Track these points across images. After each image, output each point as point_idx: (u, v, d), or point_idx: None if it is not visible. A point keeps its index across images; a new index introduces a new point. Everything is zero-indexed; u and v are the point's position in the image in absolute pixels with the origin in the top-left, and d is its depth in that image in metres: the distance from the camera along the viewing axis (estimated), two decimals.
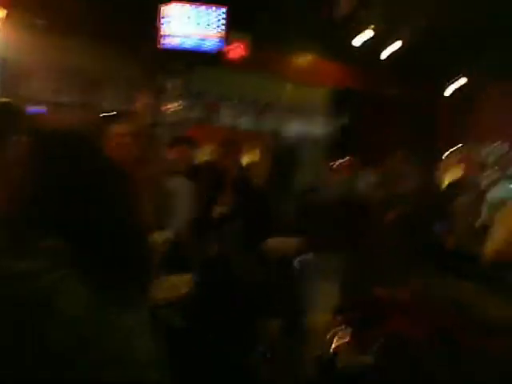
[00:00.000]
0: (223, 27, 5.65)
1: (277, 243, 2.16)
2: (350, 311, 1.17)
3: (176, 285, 1.88)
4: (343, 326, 1.16)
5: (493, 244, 2.73)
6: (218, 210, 3.19)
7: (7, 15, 4.44)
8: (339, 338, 1.17)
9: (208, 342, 1.47)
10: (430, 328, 1.05)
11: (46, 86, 5.27)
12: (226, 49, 5.77)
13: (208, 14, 5.60)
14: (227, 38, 5.76)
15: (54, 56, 5.23)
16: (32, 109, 4.94)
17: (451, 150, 7.77)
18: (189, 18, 5.57)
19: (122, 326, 1.07)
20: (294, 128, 7.08)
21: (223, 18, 5.62)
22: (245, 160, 3.79)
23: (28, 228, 0.97)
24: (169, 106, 5.73)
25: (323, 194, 5.84)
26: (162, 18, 5.52)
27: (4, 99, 2.96)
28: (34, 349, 0.88)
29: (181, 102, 5.95)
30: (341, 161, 7.48)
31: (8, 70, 5.10)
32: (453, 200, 4.31)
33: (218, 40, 5.64)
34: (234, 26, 5.82)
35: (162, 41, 5.49)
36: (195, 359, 1.52)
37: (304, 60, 7.06)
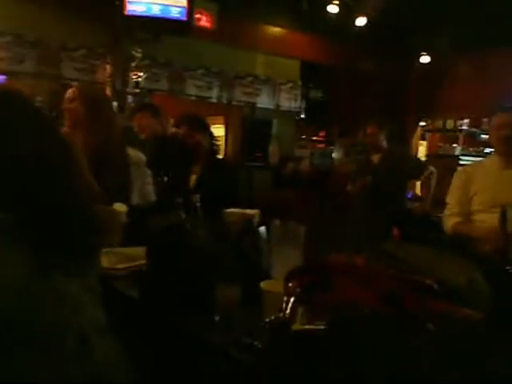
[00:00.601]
0: None
1: (237, 210, 2.16)
2: (302, 276, 1.15)
3: (133, 255, 1.85)
4: (296, 291, 1.14)
5: (451, 214, 2.82)
6: (183, 182, 3.16)
7: None
8: (292, 303, 1.15)
9: (163, 312, 1.44)
10: (378, 293, 1.04)
11: (3, 55, 5.06)
12: (193, 18, 5.62)
13: None
14: (194, 7, 5.62)
15: (12, 23, 5.02)
16: None
17: (421, 123, 7.87)
18: None
19: (67, 294, 1.04)
20: (266, 100, 7.02)
21: None
22: (213, 132, 3.74)
23: None
24: (133, 76, 5.59)
25: (296, 166, 5.86)
26: None
27: None
28: None
29: (145, 71, 5.81)
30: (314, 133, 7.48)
31: None
32: (422, 170, 4.39)
33: (185, 9, 5.49)
34: None
35: (127, 7, 5.31)
36: (150, 329, 1.50)
37: (274, 31, 6.96)
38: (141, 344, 1.41)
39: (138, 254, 1.80)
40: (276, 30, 6.96)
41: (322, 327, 1.01)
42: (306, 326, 1.08)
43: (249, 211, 2.29)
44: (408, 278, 1.12)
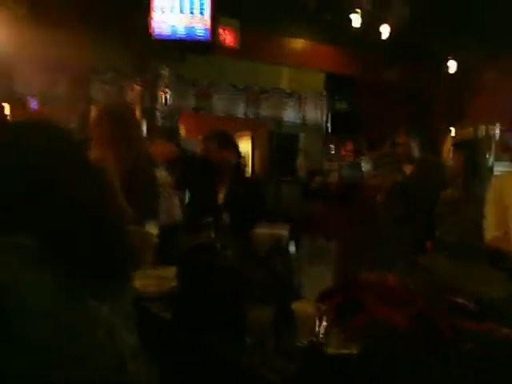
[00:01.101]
0: (213, 15, 5.59)
1: (265, 230, 2.14)
2: (334, 297, 1.14)
3: (163, 277, 1.86)
4: (329, 312, 1.13)
5: (489, 228, 2.72)
6: (213, 201, 3.17)
7: None
8: (325, 325, 1.14)
9: (196, 333, 1.45)
10: (411, 314, 1.02)
11: (34, 80, 5.23)
12: (217, 36, 5.71)
13: (197, 1, 5.54)
14: (218, 25, 5.70)
15: (41, 49, 5.18)
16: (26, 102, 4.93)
17: (450, 132, 7.72)
18: (179, 6, 5.52)
19: (100, 318, 1.04)
20: (292, 114, 7.02)
21: (212, 6, 5.56)
22: (240, 148, 3.76)
23: None
24: (161, 95, 5.69)
25: (324, 179, 5.82)
26: (153, 6, 5.46)
27: None
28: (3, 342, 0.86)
29: (172, 90, 5.91)
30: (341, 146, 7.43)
31: None
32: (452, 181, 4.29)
33: (208, 28, 5.58)
34: (223, 13, 5.77)
35: (154, 29, 5.43)
36: (183, 352, 1.50)
37: (297, 44, 6.98)
38: (174, 366, 1.41)
39: (169, 274, 1.81)
40: (299, 42, 6.98)
41: (356, 351, 1.00)
42: (340, 350, 1.07)
43: (277, 230, 2.28)
44: (442, 298, 1.10)
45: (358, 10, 6.13)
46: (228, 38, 5.99)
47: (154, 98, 5.78)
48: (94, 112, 2.49)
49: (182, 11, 5.49)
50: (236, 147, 3.45)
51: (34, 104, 5.00)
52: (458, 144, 4.36)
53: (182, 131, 4.69)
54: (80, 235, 1.01)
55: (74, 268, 0.98)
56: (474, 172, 3.60)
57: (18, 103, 4.45)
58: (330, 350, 1.13)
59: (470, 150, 3.84)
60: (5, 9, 4.62)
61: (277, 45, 6.77)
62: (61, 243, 0.98)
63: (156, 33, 5.45)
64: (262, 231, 2.20)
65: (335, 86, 7.53)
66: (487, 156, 6.71)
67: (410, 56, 6.79)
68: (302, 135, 7.00)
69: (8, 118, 3.74)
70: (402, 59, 6.93)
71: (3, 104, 4.39)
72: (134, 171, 2.42)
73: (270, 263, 1.73)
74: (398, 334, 1.00)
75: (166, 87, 5.80)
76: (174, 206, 2.94)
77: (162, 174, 2.94)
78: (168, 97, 5.76)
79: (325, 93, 7.30)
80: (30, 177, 0.95)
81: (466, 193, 3.50)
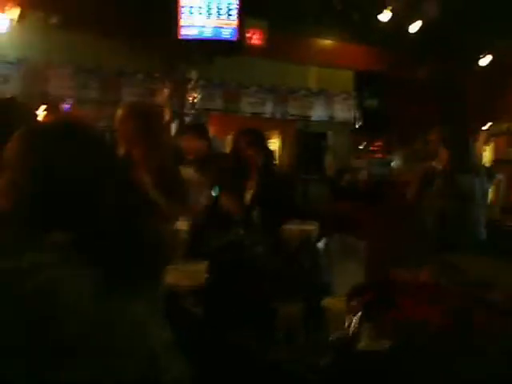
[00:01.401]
0: (240, 16, 5.61)
1: (295, 227, 2.14)
2: (365, 293, 1.13)
3: (195, 272, 1.88)
4: (360, 308, 1.12)
5: None
6: (239, 199, 3.19)
7: (21, 14, 4.51)
8: (356, 320, 1.13)
9: (227, 329, 1.46)
10: (444, 311, 1.00)
11: (65, 84, 5.36)
12: (244, 37, 5.72)
13: (224, 2, 5.56)
14: (245, 26, 5.72)
15: (71, 53, 5.31)
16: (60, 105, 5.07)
17: (484, 127, 7.54)
18: (206, 7, 5.55)
19: (134, 314, 1.06)
20: (320, 113, 7.00)
21: (239, 7, 5.58)
22: (269, 147, 3.76)
23: (33, 222, 0.97)
24: (190, 97, 5.75)
25: (353, 177, 5.78)
26: (180, 8, 5.51)
27: (8, 96, 2.98)
28: (45, 341, 0.89)
29: (200, 92, 5.96)
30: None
31: (26, 69, 5.21)
32: (491, 177, 4.18)
33: (235, 29, 5.60)
34: (250, 14, 5.78)
35: (181, 32, 5.48)
36: (214, 347, 1.52)
37: (325, 44, 6.95)
38: (205, 361, 1.43)
39: (200, 269, 1.82)
40: (327, 42, 6.95)
41: (388, 346, 0.99)
42: (371, 345, 1.06)
43: (306, 227, 2.28)
44: (475, 295, 1.08)
45: (388, 7, 6.05)
46: (255, 38, 6.00)
47: (183, 100, 5.84)
48: (120, 110, 2.51)
49: (209, 13, 5.53)
50: (264, 145, 3.46)
51: (66, 107, 5.13)
52: None
53: (211, 131, 4.72)
54: (112, 229, 1.02)
55: (108, 265, 1.00)
56: None
57: (51, 106, 4.56)
58: (361, 346, 1.13)
59: None
60: (37, 17, 4.75)
61: (304, 45, 6.75)
62: (96, 241, 1.00)
63: (183, 35, 5.50)
64: (292, 228, 2.21)
65: (364, 83, 7.46)
66: None
67: (441, 52, 6.66)
68: (329, 133, 6.96)
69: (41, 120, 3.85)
70: (434, 56, 6.81)
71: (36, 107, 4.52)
72: (162, 168, 2.44)
73: (299, 259, 1.73)
74: (430, 331, 0.99)
75: (194, 89, 5.85)
76: (201, 202, 2.96)
77: (190, 171, 2.96)
78: (196, 99, 5.81)
79: (353, 91, 7.24)
80: (75, 178, 0.98)
81: None
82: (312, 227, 2.31)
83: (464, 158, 4.35)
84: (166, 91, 5.73)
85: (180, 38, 5.48)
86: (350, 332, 1.14)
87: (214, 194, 3.01)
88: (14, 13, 4.42)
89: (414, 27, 6.31)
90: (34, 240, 0.97)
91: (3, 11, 4.26)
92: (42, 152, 1.00)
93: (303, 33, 6.54)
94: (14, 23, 4.37)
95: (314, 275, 1.63)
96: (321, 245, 1.84)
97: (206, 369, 1.35)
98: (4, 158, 1.01)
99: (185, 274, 1.86)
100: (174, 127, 5.36)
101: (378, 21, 6.16)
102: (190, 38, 5.49)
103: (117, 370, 0.97)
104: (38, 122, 1.13)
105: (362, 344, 1.13)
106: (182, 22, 5.50)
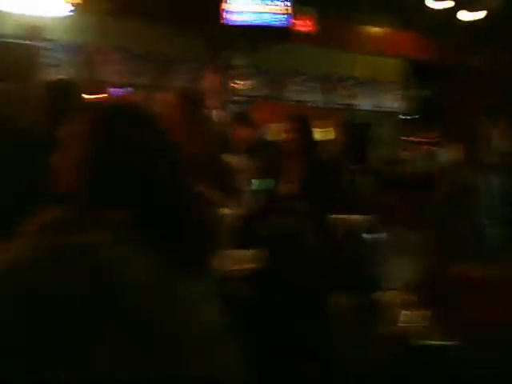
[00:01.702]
0: (289, 2, 5.55)
1: (342, 216, 2.12)
2: (425, 288, 1.11)
3: (246, 258, 1.89)
4: (416, 304, 1.10)
5: None
6: (287, 187, 3.18)
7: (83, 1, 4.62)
8: (412, 315, 1.11)
9: (276, 316, 1.46)
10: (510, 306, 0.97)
11: (120, 69, 5.46)
12: (292, 24, 5.66)
13: None
14: (294, 13, 5.65)
15: (122, 39, 5.40)
16: (112, 91, 5.19)
17: None
18: None
19: (187, 295, 1.08)
20: (367, 102, 6.87)
21: None
22: (316, 136, 3.72)
23: (92, 202, 1.00)
24: (236, 84, 5.74)
25: (400, 168, 5.65)
26: None
27: (64, 77, 3.04)
28: (109, 317, 0.91)
29: (248, 79, 5.94)
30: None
31: (84, 54, 5.33)
32: None
33: (284, 15, 5.54)
34: (300, 1, 5.71)
35: (228, 18, 5.47)
36: (262, 332, 1.53)
37: (375, 31, 6.79)
38: (256, 345, 1.43)
39: (251, 256, 1.82)
40: (377, 29, 6.79)
41: (449, 343, 0.97)
42: (429, 341, 1.04)
43: (354, 217, 2.25)
44: None
45: None
46: (305, 25, 5.93)
47: (229, 88, 5.85)
48: (169, 96, 2.54)
49: None
50: (310, 133, 3.42)
51: (119, 92, 5.24)
52: None
53: (257, 119, 4.71)
54: (167, 209, 1.03)
55: (162, 244, 1.01)
56: None
57: (101, 90, 4.67)
58: (417, 341, 1.11)
59: None
60: (91, 5, 4.85)
61: (354, 32, 6.62)
62: (153, 220, 1.01)
63: (231, 21, 5.48)
64: (337, 217, 2.18)
65: (416, 73, 7.25)
66: None
67: (503, 40, 6.37)
68: (377, 123, 6.84)
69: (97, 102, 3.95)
70: (494, 44, 6.53)
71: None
72: (209, 155, 2.45)
73: (347, 249, 1.71)
74: (494, 328, 0.96)
75: (242, 76, 5.85)
76: (248, 191, 2.96)
77: (235, 159, 2.96)
78: (244, 86, 5.80)
79: (403, 80, 7.06)
80: (133, 158, 1.00)
81: None
82: (358, 217, 2.28)
83: None
84: (213, 78, 5.76)
85: (227, 24, 5.47)
86: (403, 327, 1.11)
87: (259, 184, 3.01)
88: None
89: (470, 15, 6.07)
90: (96, 218, 0.99)
91: None
92: (104, 133, 1.02)
93: (353, 20, 6.42)
94: (76, 8, 4.47)
95: (362, 267, 1.61)
96: (370, 236, 1.81)
97: (257, 355, 1.36)
98: (63, 138, 1.03)
99: (236, 261, 1.87)
100: (221, 115, 5.38)
101: (431, 8, 5.96)
102: (237, 23, 5.47)
103: (167, 346, 0.98)
104: (97, 103, 1.15)
105: (419, 339, 1.10)
106: (231, 8, 5.49)
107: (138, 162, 1.02)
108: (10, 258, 0.96)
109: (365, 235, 1.80)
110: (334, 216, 2.22)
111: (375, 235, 1.77)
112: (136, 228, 0.98)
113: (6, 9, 4.27)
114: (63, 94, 2.05)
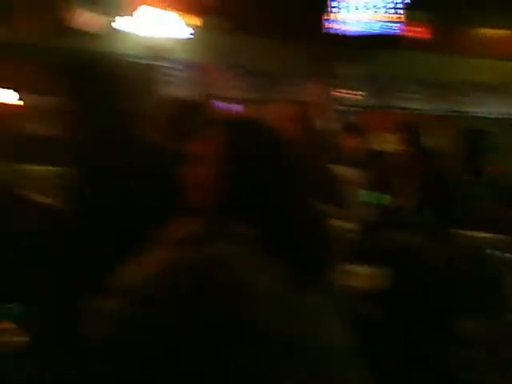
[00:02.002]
0: (401, 10, 5.41)
1: (468, 233, 1.99)
2: None
3: (369, 276, 1.83)
4: None
5: None
6: (404, 200, 3.06)
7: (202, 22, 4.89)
8: None
9: (401, 337, 1.41)
10: None
11: (235, 85, 5.69)
12: (404, 31, 5.50)
13: None
14: (406, 20, 5.49)
15: (241, 56, 5.60)
16: (229, 106, 5.44)
17: None
18: (369, 2, 5.46)
19: (313, 308, 1.07)
20: (487, 109, 6.46)
21: (400, 1, 5.39)
22: (431, 146, 3.57)
23: (223, 216, 1.03)
24: (346, 93, 5.69)
25: None
26: (334, 4, 5.51)
27: (191, 97, 3.19)
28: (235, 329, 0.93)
29: (358, 88, 5.86)
30: None
31: (204, 72, 5.63)
32: None
33: (397, 22, 5.41)
34: (411, 7, 5.55)
35: (338, 28, 5.47)
36: (386, 352, 1.47)
37: (494, 34, 6.35)
38: (377, 366, 1.38)
39: (374, 273, 1.77)
40: (497, 32, 6.35)
41: None
42: None
43: (477, 234, 2.10)
44: None
45: None
46: (418, 31, 5.73)
47: (336, 97, 5.82)
48: (285, 110, 2.57)
49: (373, 8, 5.42)
50: (421, 143, 3.28)
51: (237, 107, 5.47)
52: None
53: (366, 128, 4.61)
54: (291, 222, 1.04)
55: (288, 257, 1.01)
56: None
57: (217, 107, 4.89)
58: None
59: None
60: (211, 24, 5.11)
61: (469, 36, 6.27)
62: (280, 235, 1.02)
63: (341, 31, 5.47)
64: (463, 233, 2.05)
65: None
66: None
67: None
68: (497, 132, 6.38)
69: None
70: None
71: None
72: (318, 166, 2.42)
73: (471, 267, 1.60)
74: None
75: (347, 85, 5.79)
76: (359, 203, 2.89)
77: (347, 171, 2.90)
78: (355, 95, 5.74)
79: None
80: (267, 174, 1.02)
81: None
82: (484, 234, 2.13)
83: None
84: (321, 88, 5.76)
85: (336, 33, 5.46)
86: None
87: (368, 197, 2.93)
88: (195, 20, 4.81)
89: None
90: (226, 232, 1.02)
91: (185, 18, 4.66)
92: (239, 149, 1.06)
93: (468, 23, 6.08)
94: (197, 30, 4.75)
95: (499, 288, 1.49)
96: (499, 254, 1.68)
97: (379, 376, 1.31)
98: (194, 155, 1.08)
99: (357, 276, 1.82)
100: (331, 125, 5.36)
101: None
102: (349, 33, 5.44)
103: (291, 358, 0.97)
104: (224, 120, 1.20)
105: None
106: (340, 18, 5.47)
107: (270, 177, 1.05)
108: (148, 272, 1.02)
109: (495, 253, 1.67)
110: (454, 231, 2.10)
111: (506, 254, 1.64)
112: (264, 241, 1.00)
113: (132, 31, 4.65)
114: (189, 112, 2.16)
